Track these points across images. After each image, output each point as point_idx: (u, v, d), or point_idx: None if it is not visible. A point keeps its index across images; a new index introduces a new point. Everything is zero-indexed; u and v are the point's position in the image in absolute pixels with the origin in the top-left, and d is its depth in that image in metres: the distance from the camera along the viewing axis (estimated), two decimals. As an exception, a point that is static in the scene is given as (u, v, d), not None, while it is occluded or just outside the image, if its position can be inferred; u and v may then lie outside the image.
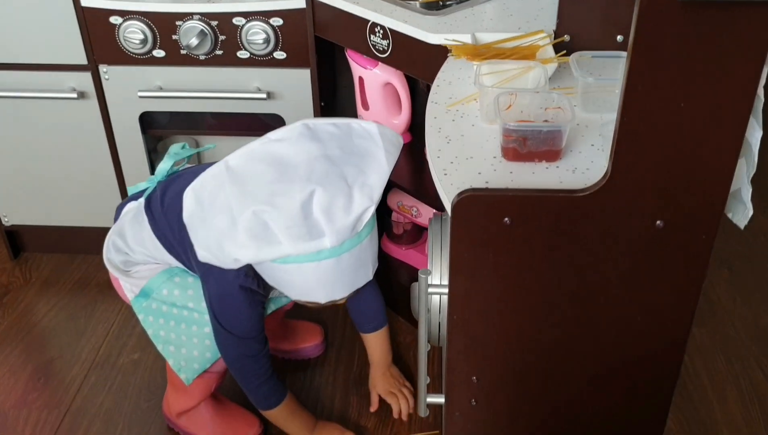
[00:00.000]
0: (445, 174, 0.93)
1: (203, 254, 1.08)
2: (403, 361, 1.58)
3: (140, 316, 1.26)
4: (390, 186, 1.61)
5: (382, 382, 1.46)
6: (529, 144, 0.93)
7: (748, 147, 0.83)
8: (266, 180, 1.04)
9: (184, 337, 1.24)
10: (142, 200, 1.25)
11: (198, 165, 1.31)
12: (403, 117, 1.59)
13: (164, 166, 1.28)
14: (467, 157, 0.96)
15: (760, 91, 0.79)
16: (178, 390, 1.36)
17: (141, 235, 1.23)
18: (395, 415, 1.44)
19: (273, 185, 1.03)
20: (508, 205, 0.84)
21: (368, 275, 1.14)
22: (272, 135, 1.11)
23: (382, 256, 1.73)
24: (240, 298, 1.14)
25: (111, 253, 1.27)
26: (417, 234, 1.71)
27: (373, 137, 1.12)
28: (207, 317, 1.22)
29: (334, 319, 1.69)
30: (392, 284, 1.68)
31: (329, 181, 1.04)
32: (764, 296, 1.73)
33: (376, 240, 1.14)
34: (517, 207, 0.84)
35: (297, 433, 1.35)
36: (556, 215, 0.84)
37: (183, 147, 1.30)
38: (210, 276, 1.15)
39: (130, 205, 1.27)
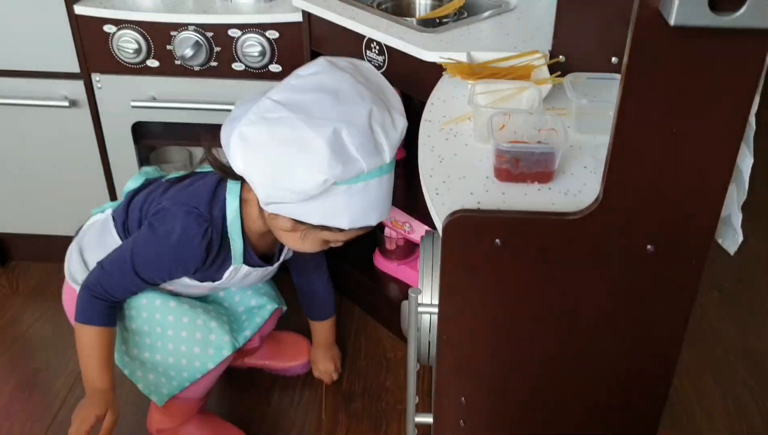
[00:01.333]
0: (437, 193, 0.93)
1: (266, 195, 1.06)
2: (392, 376, 1.57)
3: None
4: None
5: (323, 362, 1.53)
6: (522, 165, 0.93)
7: (739, 174, 0.83)
8: (328, 104, 1.03)
9: (151, 362, 1.25)
10: (108, 211, 1.26)
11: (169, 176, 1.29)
12: (397, 132, 1.59)
13: (132, 185, 1.28)
14: (460, 176, 0.96)
15: (752, 119, 0.79)
16: (160, 408, 1.35)
17: (104, 239, 1.23)
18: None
19: (337, 107, 1.03)
20: (499, 227, 0.84)
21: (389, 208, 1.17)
22: (300, 71, 1.10)
23: (374, 272, 1.73)
24: (189, 246, 1.12)
25: (73, 264, 1.27)
26: (409, 250, 1.70)
27: (371, 69, 1.16)
28: (175, 336, 1.22)
29: (323, 334, 1.68)
30: (383, 299, 1.68)
31: (376, 100, 1.06)
32: (754, 319, 1.73)
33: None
34: (508, 229, 0.84)
35: (84, 368, 1.22)
36: (547, 238, 0.84)
37: (155, 169, 1.33)
38: (175, 219, 1.13)
39: (94, 218, 1.28)
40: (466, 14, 1.42)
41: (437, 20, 1.43)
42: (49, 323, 1.72)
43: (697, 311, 1.74)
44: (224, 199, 1.15)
